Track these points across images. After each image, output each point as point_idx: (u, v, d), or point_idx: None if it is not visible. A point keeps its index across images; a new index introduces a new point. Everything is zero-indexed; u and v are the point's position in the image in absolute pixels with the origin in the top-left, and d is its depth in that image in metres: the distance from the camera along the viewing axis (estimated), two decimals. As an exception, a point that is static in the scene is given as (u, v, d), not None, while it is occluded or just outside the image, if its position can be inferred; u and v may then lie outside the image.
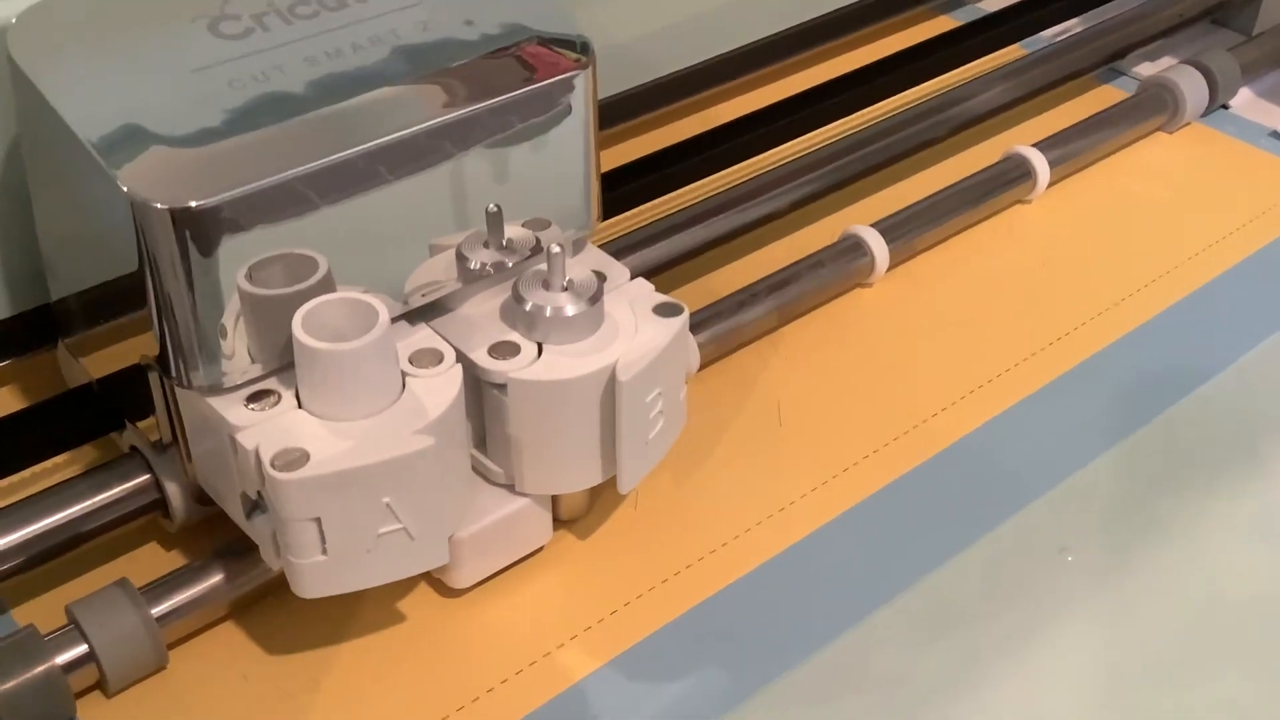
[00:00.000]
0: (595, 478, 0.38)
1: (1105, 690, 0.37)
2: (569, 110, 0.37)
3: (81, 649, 0.35)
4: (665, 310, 0.38)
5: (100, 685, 0.36)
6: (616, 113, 0.54)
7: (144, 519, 0.38)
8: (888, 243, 0.50)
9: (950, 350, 0.48)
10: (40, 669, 0.34)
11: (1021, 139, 0.55)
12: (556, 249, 0.36)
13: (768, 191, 0.52)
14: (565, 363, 0.36)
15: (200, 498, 0.38)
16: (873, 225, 0.50)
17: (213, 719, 0.35)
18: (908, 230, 0.51)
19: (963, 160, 0.57)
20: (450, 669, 0.37)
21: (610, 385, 0.36)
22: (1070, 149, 0.56)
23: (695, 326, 0.45)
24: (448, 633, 0.38)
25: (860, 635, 0.38)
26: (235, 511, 0.35)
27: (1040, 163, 0.54)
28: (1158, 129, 0.59)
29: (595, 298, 0.37)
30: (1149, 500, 0.43)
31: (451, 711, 0.36)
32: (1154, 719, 0.37)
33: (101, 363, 0.39)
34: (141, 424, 0.38)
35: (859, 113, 0.58)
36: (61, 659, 0.34)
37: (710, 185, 0.53)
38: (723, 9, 0.58)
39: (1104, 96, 0.61)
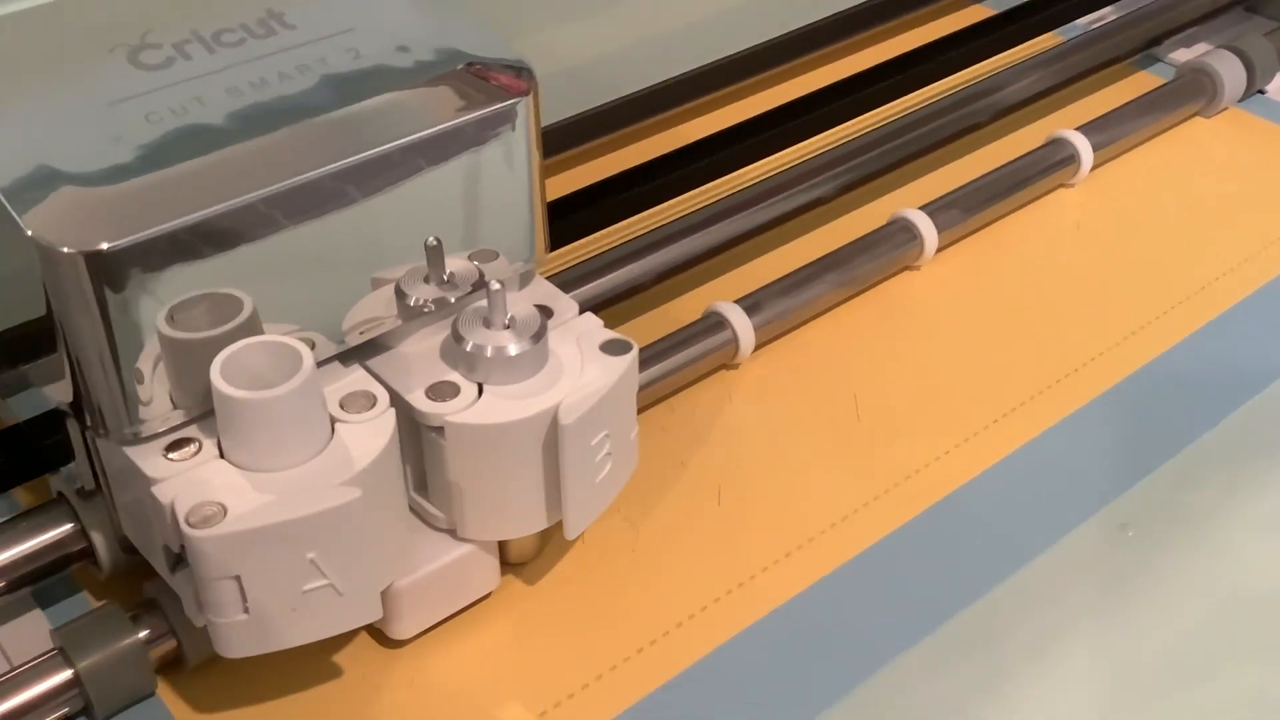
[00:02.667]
0: (540, 523, 0.36)
1: (1129, 689, 0.36)
2: (510, 138, 0.35)
3: (162, 625, 0.35)
4: (613, 348, 0.36)
5: (179, 660, 0.36)
6: (573, 136, 0.53)
7: (73, 567, 0.37)
8: (937, 227, 0.50)
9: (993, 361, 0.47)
10: (124, 642, 0.34)
11: (1059, 126, 0.55)
12: (497, 286, 0.35)
13: (765, 198, 0.51)
14: (506, 405, 0.34)
15: (129, 546, 0.36)
16: (921, 208, 0.50)
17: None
18: (956, 212, 0.51)
19: (1000, 148, 0.57)
20: None
21: (554, 427, 0.34)
22: (1112, 133, 0.56)
23: (750, 310, 0.46)
24: (387, 688, 0.36)
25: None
26: (159, 564, 0.34)
27: (1084, 146, 0.54)
28: (1195, 114, 0.60)
29: (538, 335, 0.35)
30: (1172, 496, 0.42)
31: (388, 772, 0.34)
32: (1178, 716, 0.36)
33: (28, 404, 0.37)
34: (66, 469, 0.36)
35: (891, 103, 0.58)
36: (144, 633, 0.35)
37: (687, 202, 0.52)
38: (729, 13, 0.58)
39: (1140, 83, 0.62)
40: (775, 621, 0.38)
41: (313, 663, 0.36)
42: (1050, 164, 0.54)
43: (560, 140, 0.54)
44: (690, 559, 0.40)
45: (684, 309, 0.48)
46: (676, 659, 0.37)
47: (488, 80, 0.35)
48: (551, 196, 0.49)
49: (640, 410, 0.42)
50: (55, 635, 0.35)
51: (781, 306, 0.47)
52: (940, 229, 0.50)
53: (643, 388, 0.43)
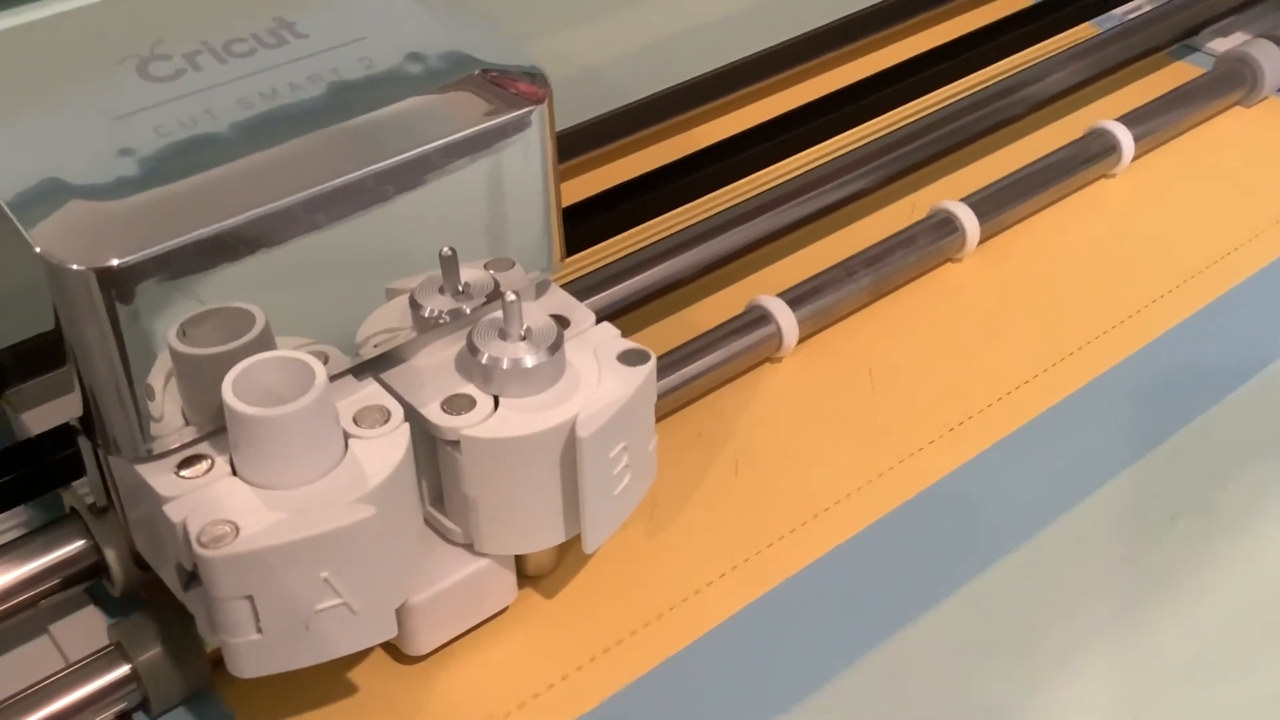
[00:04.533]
0: (558, 536, 0.36)
1: (1153, 689, 0.36)
2: (526, 146, 0.35)
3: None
4: (631, 358, 0.36)
5: None
6: (589, 140, 0.52)
7: (86, 584, 0.36)
8: (979, 218, 0.50)
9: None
10: (181, 637, 0.35)
11: (1096, 118, 0.55)
12: (512, 297, 0.34)
13: (782, 203, 0.50)
14: (522, 418, 0.34)
15: (140, 562, 0.36)
16: (963, 200, 0.50)
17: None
18: (998, 203, 0.51)
19: (1037, 140, 0.57)
20: None
21: (571, 440, 0.34)
22: (1152, 124, 0.56)
23: (794, 304, 0.46)
24: (403, 704, 0.35)
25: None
26: (172, 582, 0.33)
27: (1125, 137, 0.54)
28: (1236, 104, 0.59)
29: (555, 347, 0.35)
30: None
31: (405, 791, 0.34)
32: (1204, 714, 0.36)
33: (41, 418, 0.37)
34: (77, 484, 0.36)
35: (927, 96, 0.58)
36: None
37: (696, 210, 0.51)
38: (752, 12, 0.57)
39: (1178, 73, 0.61)
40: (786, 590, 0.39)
41: (327, 679, 0.36)
42: (1092, 154, 0.54)
43: (576, 145, 0.53)
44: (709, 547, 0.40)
45: (716, 307, 0.48)
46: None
47: (502, 88, 0.35)
48: (567, 202, 0.49)
49: (681, 407, 0.43)
50: (113, 630, 0.35)
51: (827, 299, 0.47)
52: (982, 220, 0.50)
53: (685, 384, 0.44)
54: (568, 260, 0.48)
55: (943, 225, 0.50)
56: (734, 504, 0.41)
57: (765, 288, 0.47)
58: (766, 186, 0.50)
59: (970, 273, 0.50)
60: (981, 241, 0.51)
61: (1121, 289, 0.50)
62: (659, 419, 0.42)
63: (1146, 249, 0.51)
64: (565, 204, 0.49)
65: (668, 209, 0.50)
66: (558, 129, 0.36)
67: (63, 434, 0.35)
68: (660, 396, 0.42)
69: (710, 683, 0.36)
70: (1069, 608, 0.38)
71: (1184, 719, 0.36)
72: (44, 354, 0.34)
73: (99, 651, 0.35)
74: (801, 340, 0.46)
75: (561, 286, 0.39)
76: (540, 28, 0.54)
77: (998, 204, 0.51)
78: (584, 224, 0.47)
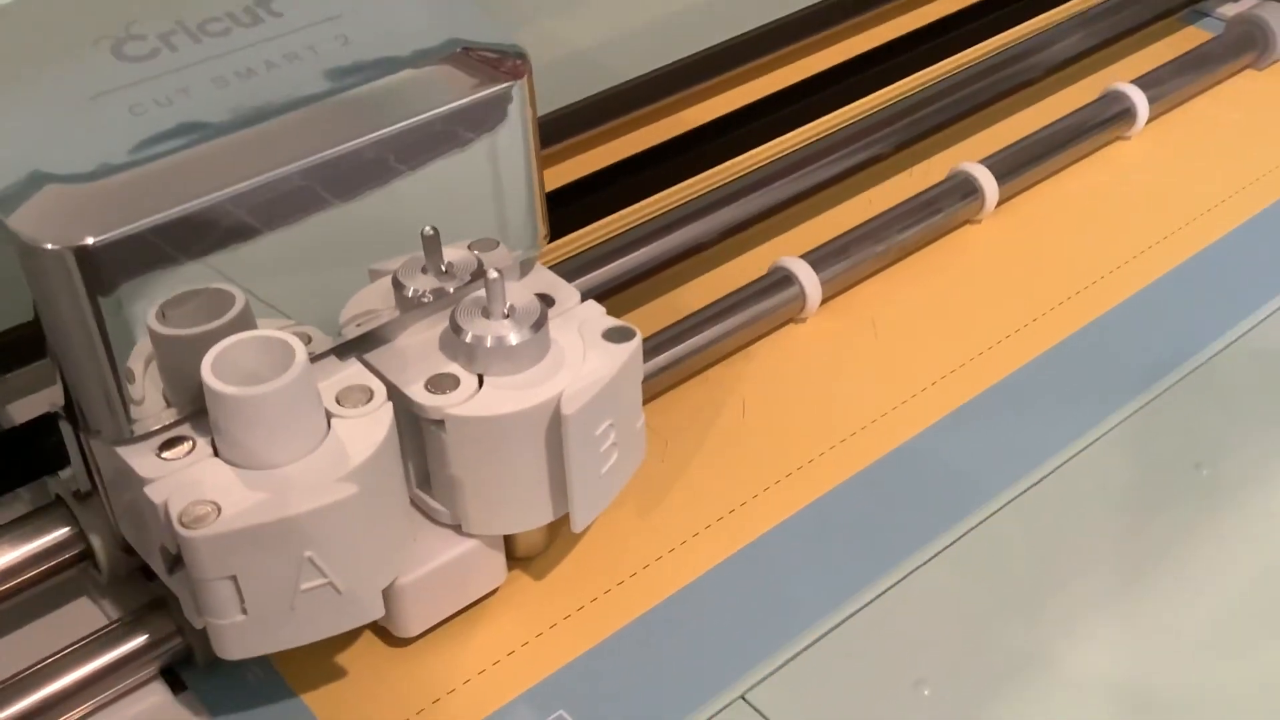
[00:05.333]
0: (546, 516, 0.36)
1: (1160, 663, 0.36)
2: (506, 123, 0.34)
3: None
4: (616, 335, 0.35)
5: None
6: (584, 121, 0.52)
7: (72, 570, 0.36)
8: (997, 180, 0.51)
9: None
10: None
11: (1109, 82, 0.56)
12: (495, 274, 0.34)
13: (779, 178, 0.50)
14: (507, 396, 0.34)
15: (126, 547, 0.35)
16: (982, 162, 0.51)
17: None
18: (1016, 167, 0.52)
19: (1052, 104, 0.57)
20: None
21: (556, 418, 0.34)
22: (1167, 86, 0.56)
23: (817, 265, 0.46)
24: (393, 688, 0.35)
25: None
26: (157, 565, 0.33)
27: (1140, 99, 0.55)
28: (1247, 66, 0.60)
29: (539, 324, 0.34)
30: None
31: (395, 772, 0.34)
32: (1212, 687, 0.35)
33: (26, 407, 0.37)
34: (64, 471, 0.36)
35: (941, 63, 0.59)
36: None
37: (684, 191, 0.52)
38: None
39: (1189, 37, 0.62)
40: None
41: (315, 661, 0.36)
42: (1108, 116, 0.55)
43: (571, 126, 0.53)
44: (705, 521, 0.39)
45: (737, 271, 0.49)
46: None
47: (480, 65, 0.34)
48: (561, 182, 0.49)
49: (707, 367, 0.44)
50: (158, 584, 0.35)
51: (849, 260, 0.48)
52: (1001, 182, 0.51)
53: (711, 344, 0.44)
54: (560, 241, 0.48)
55: (962, 186, 0.51)
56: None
57: (786, 253, 0.47)
58: (783, 154, 0.51)
59: (991, 233, 0.51)
60: (1000, 203, 0.51)
61: (1137, 248, 0.50)
62: (684, 380, 0.44)
63: (1163, 208, 0.52)
64: (560, 185, 0.50)
65: (669, 185, 0.51)
66: (559, 108, 0.35)
67: (49, 422, 0.35)
68: (686, 358, 0.44)
69: (705, 625, 0.37)
70: (1076, 551, 0.39)
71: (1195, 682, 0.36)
72: (23, 343, 0.33)
73: (144, 606, 0.36)
74: (825, 301, 0.47)
75: (554, 266, 0.39)
76: (529, 12, 0.53)
77: (1016, 165, 0.52)
78: (582, 204, 0.47)
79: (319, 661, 0.36)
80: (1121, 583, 0.38)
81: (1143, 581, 0.38)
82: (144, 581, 0.37)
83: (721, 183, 0.50)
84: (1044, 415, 0.43)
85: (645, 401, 0.42)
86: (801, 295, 0.46)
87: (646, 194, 0.52)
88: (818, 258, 0.47)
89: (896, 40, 0.58)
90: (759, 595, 0.37)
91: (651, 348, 0.43)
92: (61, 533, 0.35)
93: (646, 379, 0.42)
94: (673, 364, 0.43)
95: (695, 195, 0.50)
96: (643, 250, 0.47)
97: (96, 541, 0.35)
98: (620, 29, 0.54)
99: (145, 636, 0.35)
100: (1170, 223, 0.51)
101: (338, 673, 0.36)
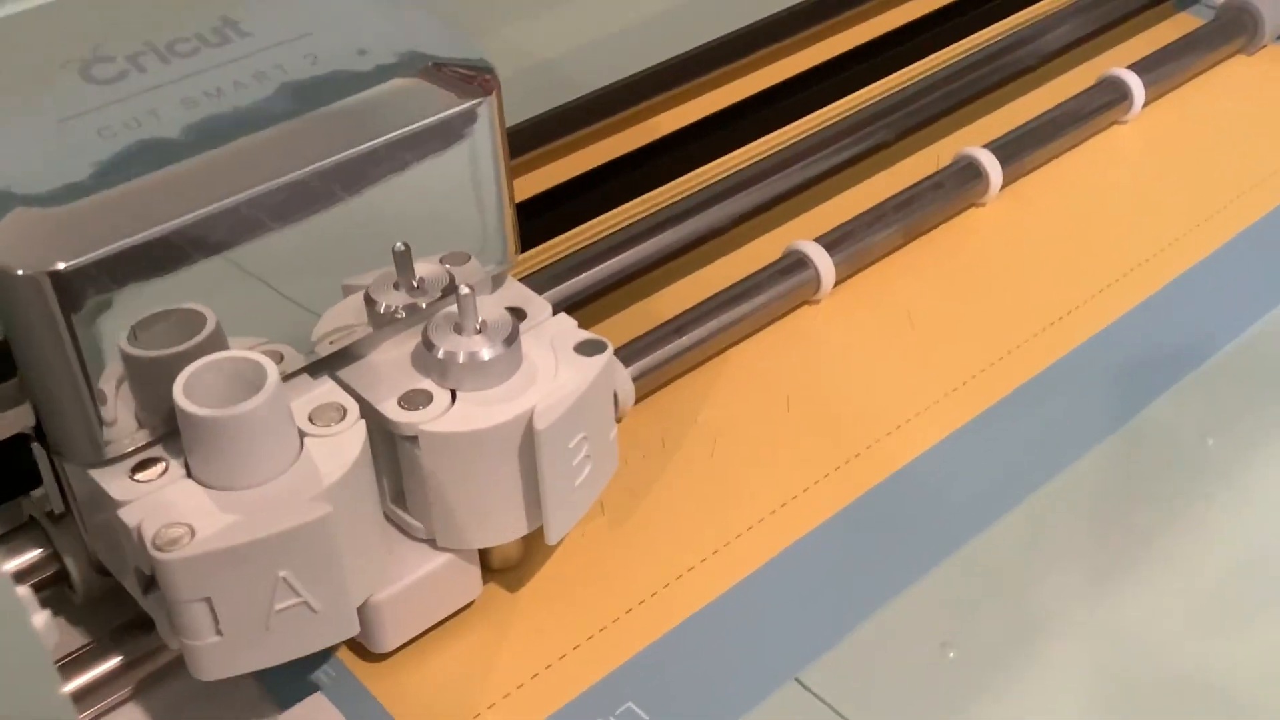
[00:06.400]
0: (520, 529, 0.36)
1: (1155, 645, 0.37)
2: (475, 139, 0.35)
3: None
4: (588, 348, 0.36)
5: None
6: (547, 133, 0.52)
7: (45, 592, 0.36)
8: (1001, 164, 0.52)
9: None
10: None
11: (1103, 68, 0.57)
12: (466, 290, 0.34)
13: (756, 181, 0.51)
14: (480, 411, 0.34)
15: (100, 569, 0.35)
16: (986, 146, 0.52)
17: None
18: (1019, 149, 0.53)
19: (1049, 91, 0.58)
20: (414, 712, 0.35)
21: (529, 432, 0.34)
22: (1160, 71, 0.58)
23: (830, 248, 0.48)
24: (406, 675, 0.36)
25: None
26: (132, 587, 0.33)
27: (1136, 84, 0.56)
28: (1237, 51, 0.61)
29: (510, 339, 0.34)
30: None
31: (373, 788, 0.34)
32: (1200, 670, 0.36)
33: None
34: (36, 491, 0.36)
35: (938, 53, 0.60)
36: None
37: (659, 197, 0.52)
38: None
39: (1181, 24, 0.63)
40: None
41: (289, 677, 0.36)
42: (1105, 101, 0.56)
43: (538, 137, 0.53)
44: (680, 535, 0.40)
45: (749, 258, 0.49)
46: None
47: (450, 81, 0.35)
48: (530, 193, 0.50)
49: (724, 350, 0.46)
50: None
51: (861, 243, 0.49)
52: (1005, 165, 0.52)
53: (729, 327, 0.46)
54: (544, 246, 0.49)
55: (968, 170, 0.52)
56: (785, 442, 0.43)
57: (785, 243, 0.49)
58: (783, 147, 0.53)
59: (995, 216, 0.52)
60: (1004, 186, 0.52)
61: (1138, 231, 0.51)
62: (704, 361, 0.45)
63: (1160, 192, 0.53)
64: (529, 196, 0.50)
65: (648, 189, 0.53)
66: (528, 117, 0.36)
67: (20, 442, 0.35)
68: (706, 340, 0.45)
69: (697, 665, 0.37)
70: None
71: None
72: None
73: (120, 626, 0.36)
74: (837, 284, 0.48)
75: (524, 278, 0.39)
76: (494, 20, 0.53)
77: (1020, 149, 0.53)
78: (556, 213, 0.48)
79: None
80: (1145, 551, 0.39)
81: (1165, 549, 0.39)
82: (118, 602, 0.37)
83: (723, 174, 0.51)
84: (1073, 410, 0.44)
85: (668, 385, 0.44)
86: (816, 277, 0.47)
87: (619, 202, 0.52)
88: (831, 240, 0.48)
89: (887, 34, 0.60)
90: (811, 590, 0.38)
91: (674, 330, 0.45)
92: (35, 554, 0.35)
93: (670, 362, 0.44)
94: (695, 345, 0.45)
95: (682, 195, 0.51)
96: (622, 255, 0.47)
97: (71, 562, 0.35)
98: (590, 35, 0.54)
99: (121, 657, 0.35)
100: (1174, 213, 0.52)
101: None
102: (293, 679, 0.35)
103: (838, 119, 0.55)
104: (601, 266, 0.47)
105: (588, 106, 0.53)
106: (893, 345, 0.46)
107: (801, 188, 0.52)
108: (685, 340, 0.45)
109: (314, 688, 0.35)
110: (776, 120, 0.57)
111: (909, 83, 0.57)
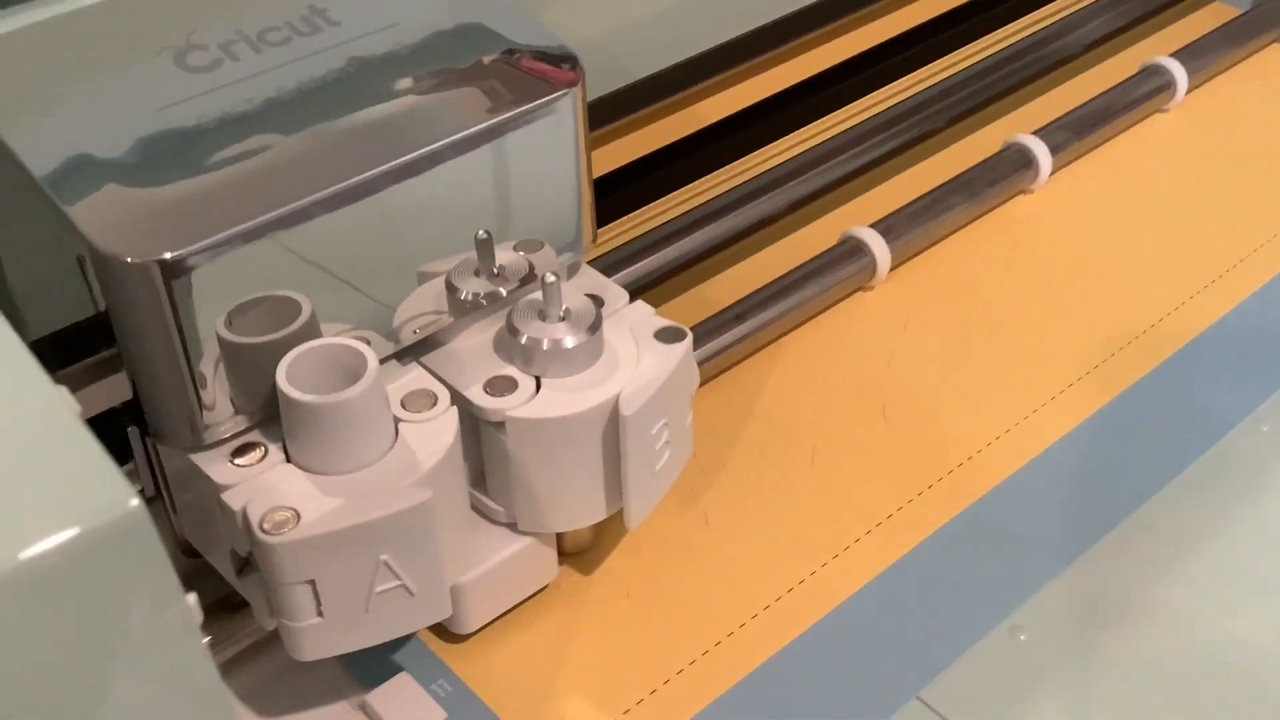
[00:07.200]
0: (600, 513, 0.36)
1: None
2: (559, 129, 0.35)
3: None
4: (668, 335, 0.36)
5: None
6: (594, 120, 0.52)
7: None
8: (1050, 151, 0.53)
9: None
10: None
11: (1140, 57, 0.58)
12: (552, 278, 0.34)
13: (824, 163, 0.52)
14: (566, 398, 0.34)
15: (187, 550, 0.36)
16: (1035, 133, 0.53)
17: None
18: (1066, 136, 0.54)
19: (1088, 79, 0.59)
20: (497, 691, 0.36)
21: (613, 419, 0.34)
22: (1201, 60, 0.58)
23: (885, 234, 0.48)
24: (489, 655, 0.36)
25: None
26: (225, 568, 0.34)
27: (1179, 72, 0.57)
28: (1275, 40, 0.62)
29: (594, 327, 0.35)
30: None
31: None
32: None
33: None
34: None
35: (977, 42, 0.61)
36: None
37: (722, 178, 0.53)
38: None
39: (1217, 14, 0.63)
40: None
41: (373, 656, 0.36)
42: (1149, 90, 0.57)
43: (600, 117, 0.54)
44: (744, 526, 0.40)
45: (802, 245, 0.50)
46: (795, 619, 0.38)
47: (535, 72, 0.35)
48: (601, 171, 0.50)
49: (782, 335, 0.46)
50: None
51: (915, 229, 0.50)
52: (1054, 153, 0.53)
53: (788, 313, 0.46)
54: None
55: (1017, 158, 0.52)
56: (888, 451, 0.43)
57: (838, 231, 0.49)
58: (832, 135, 0.53)
59: (1044, 203, 0.53)
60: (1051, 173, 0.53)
61: (1185, 214, 0.52)
62: (762, 348, 0.46)
63: (1205, 180, 0.54)
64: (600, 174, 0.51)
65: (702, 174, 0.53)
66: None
67: (97, 423, 0.36)
68: (765, 326, 0.46)
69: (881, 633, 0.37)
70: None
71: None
72: (82, 345, 0.34)
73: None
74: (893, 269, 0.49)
75: (594, 260, 0.39)
76: (538, 4, 0.54)
77: (1068, 137, 0.54)
78: (604, 201, 0.48)
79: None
80: (1210, 523, 0.40)
81: (1228, 527, 0.40)
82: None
83: (771, 163, 0.52)
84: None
85: (728, 371, 0.45)
86: (872, 264, 0.48)
87: (667, 191, 0.53)
88: (887, 226, 0.49)
89: (935, 19, 0.61)
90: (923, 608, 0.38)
91: (734, 316, 0.45)
92: (123, 536, 0.36)
93: (731, 348, 0.45)
94: (754, 331, 0.46)
95: (731, 184, 0.51)
96: (674, 245, 0.48)
97: (158, 544, 0.36)
98: (639, 20, 0.54)
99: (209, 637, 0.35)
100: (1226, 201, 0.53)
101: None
102: (373, 660, 0.36)
103: (887, 105, 0.55)
104: (653, 256, 0.48)
105: (635, 93, 0.54)
106: (969, 340, 0.46)
107: (851, 176, 0.53)
108: (745, 327, 0.45)
109: (396, 668, 0.36)
110: (820, 109, 0.57)
111: (957, 69, 0.58)
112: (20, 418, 0.25)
